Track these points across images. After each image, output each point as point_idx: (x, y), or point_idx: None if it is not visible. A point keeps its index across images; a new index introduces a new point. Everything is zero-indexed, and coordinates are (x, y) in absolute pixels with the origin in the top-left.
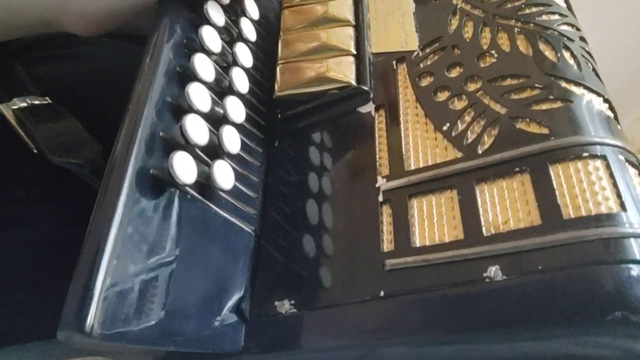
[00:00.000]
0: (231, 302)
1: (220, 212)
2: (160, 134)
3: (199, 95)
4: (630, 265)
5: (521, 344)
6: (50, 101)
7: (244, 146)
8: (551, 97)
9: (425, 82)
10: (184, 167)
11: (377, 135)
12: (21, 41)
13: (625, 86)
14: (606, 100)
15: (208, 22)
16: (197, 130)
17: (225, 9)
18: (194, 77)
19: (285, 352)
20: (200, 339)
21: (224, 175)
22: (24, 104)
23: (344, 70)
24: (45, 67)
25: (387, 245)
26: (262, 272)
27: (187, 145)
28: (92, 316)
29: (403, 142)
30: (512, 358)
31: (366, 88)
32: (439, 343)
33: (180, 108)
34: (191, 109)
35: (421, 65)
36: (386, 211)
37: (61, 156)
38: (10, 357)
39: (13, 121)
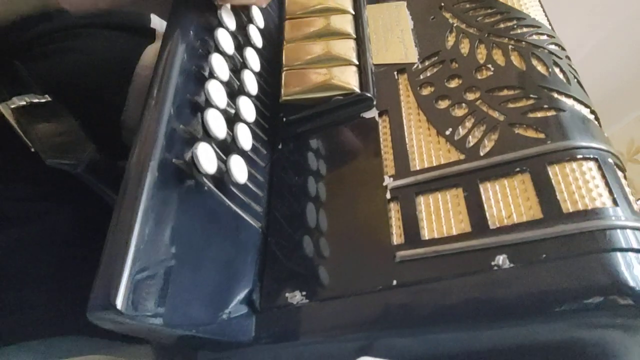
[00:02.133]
0: (242, 294)
1: (233, 206)
2: (181, 126)
3: (217, 92)
4: (622, 253)
5: (531, 326)
6: (49, 99)
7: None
8: (545, 106)
9: (426, 91)
10: (206, 158)
11: (382, 139)
12: (19, 38)
13: (625, 86)
14: (592, 112)
15: (222, 25)
16: (217, 124)
17: (235, 15)
18: (210, 75)
19: (296, 342)
20: (214, 328)
21: (239, 169)
22: (23, 103)
23: (348, 78)
24: (44, 62)
25: (396, 238)
26: (270, 266)
27: (206, 138)
28: (123, 294)
29: (407, 145)
30: (519, 344)
31: (369, 95)
32: (452, 330)
33: (198, 104)
34: (209, 105)
35: (421, 76)
36: (394, 207)
37: (53, 157)
38: (10, 357)
39: (12, 120)
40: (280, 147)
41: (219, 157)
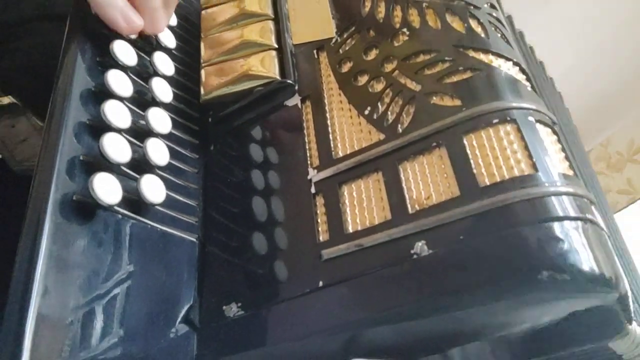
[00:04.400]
0: (180, 314)
1: (157, 225)
2: (81, 157)
3: (116, 112)
4: (547, 224)
5: (456, 314)
6: (12, 100)
7: (177, 155)
8: (460, 68)
9: (345, 67)
10: (106, 188)
11: (305, 127)
12: None
13: (625, 86)
14: (516, 64)
15: (121, 35)
16: (117, 148)
17: None
18: (110, 94)
19: (237, 355)
20: (151, 356)
21: (152, 189)
22: None
23: (267, 66)
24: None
25: (322, 235)
26: (208, 279)
27: (111, 165)
28: (28, 354)
29: (330, 131)
30: (453, 330)
31: (290, 81)
32: (378, 323)
33: (100, 127)
34: (110, 127)
35: (340, 51)
36: (319, 202)
37: (20, 164)
38: None
39: None
40: (212, 148)
41: (132, 178)
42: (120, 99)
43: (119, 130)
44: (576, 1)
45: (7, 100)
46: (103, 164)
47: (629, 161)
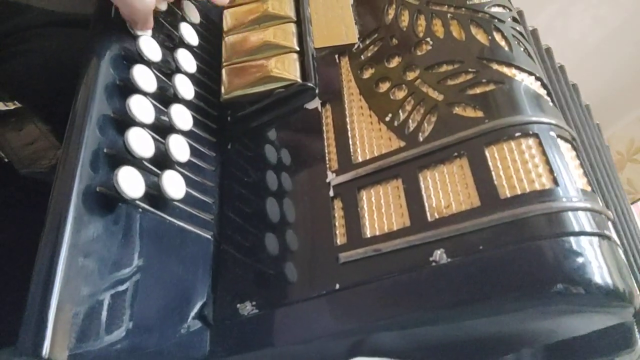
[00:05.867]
0: (194, 310)
1: (175, 221)
2: (105, 150)
3: (141, 107)
4: (564, 239)
5: (471, 322)
6: (18, 104)
7: (195, 152)
8: (484, 80)
9: (367, 74)
10: (130, 182)
11: (325, 131)
12: None
13: (626, 86)
14: (538, 79)
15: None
16: (141, 143)
17: (163, 16)
18: (134, 89)
19: (251, 353)
20: (164, 350)
21: (174, 184)
22: None
23: (288, 68)
24: (2, 67)
25: (340, 238)
26: (222, 276)
27: (134, 159)
28: (49, 340)
29: (350, 136)
30: (463, 338)
31: (311, 84)
32: (393, 328)
33: (124, 121)
34: (134, 122)
35: (362, 57)
36: (337, 205)
37: (27, 167)
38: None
39: None
40: (229, 147)
41: (153, 174)
42: (145, 94)
43: (142, 125)
44: (577, 2)
45: (14, 105)
46: (126, 158)
47: (629, 161)
